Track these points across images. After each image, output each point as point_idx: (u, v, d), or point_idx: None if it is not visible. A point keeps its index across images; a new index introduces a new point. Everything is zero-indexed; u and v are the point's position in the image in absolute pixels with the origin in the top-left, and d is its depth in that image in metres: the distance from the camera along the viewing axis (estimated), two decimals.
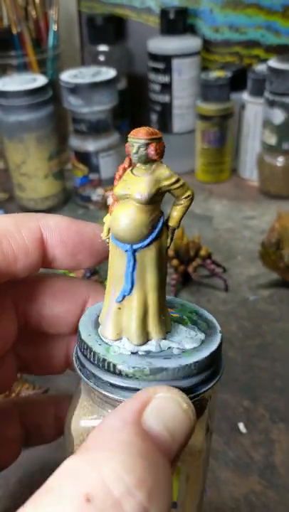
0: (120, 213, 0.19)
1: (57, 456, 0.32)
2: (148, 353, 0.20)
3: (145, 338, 0.20)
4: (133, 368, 0.19)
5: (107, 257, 0.21)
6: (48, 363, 0.27)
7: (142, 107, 0.83)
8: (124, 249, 0.20)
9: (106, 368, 0.19)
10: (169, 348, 0.21)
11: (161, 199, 0.20)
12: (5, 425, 0.26)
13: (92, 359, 0.20)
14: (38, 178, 0.69)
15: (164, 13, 0.73)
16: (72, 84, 0.65)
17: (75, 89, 0.65)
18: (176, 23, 0.73)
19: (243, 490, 0.36)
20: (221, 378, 0.21)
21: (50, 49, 0.78)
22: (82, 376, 0.20)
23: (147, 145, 0.19)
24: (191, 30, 0.80)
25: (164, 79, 0.75)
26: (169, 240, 0.21)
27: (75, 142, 0.69)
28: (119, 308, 0.20)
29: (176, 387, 0.19)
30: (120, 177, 0.20)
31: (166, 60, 0.73)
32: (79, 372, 0.20)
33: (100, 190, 0.67)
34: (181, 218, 0.21)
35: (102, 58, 0.78)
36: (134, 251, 0.20)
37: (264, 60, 0.77)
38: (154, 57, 0.75)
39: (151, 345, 0.20)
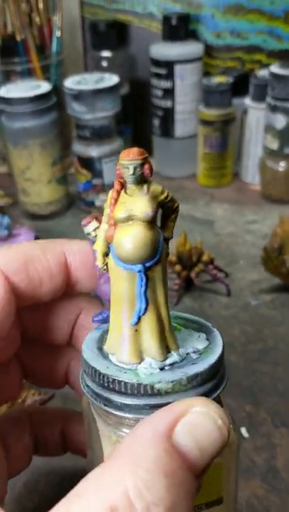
0: (128, 236, 0.19)
1: (63, 461, 0.33)
2: (174, 365, 0.20)
3: (166, 352, 0.21)
4: (171, 382, 0.19)
5: None
6: (48, 376, 0.28)
7: (144, 112, 0.84)
8: (137, 269, 0.20)
9: (142, 392, 0.19)
10: (187, 354, 0.21)
11: (157, 214, 0.20)
12: (17, 434, 0.27)
13: (122, 389, 0.19)
14: (42, 184, 0.70)
15: (166, 19, 0.74)
16: (75, 91, 0.65)
17: (78, 96, 0.66)
18: (178, 29, 0.74)
19: (245, 494, 0.37)
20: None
21: (54, 55, 0.78)
22: (111, 410, 0.20)
23: (142, 165, 0.19)
24: (192, 35, 0.80)
25: (166, 84, 0.76)
26: (168, 251, 0.21)
27: (78, 148, 0.70)
28: (136, 331, 0.20)
29: (212, 386, 0.20)
30: (116, 201, 0.20)
31: (169, 65, 0.74)
32: (105, 408, 0.20)
33: (103, 196, 0.68)
34: (173, 228, 0.22)
35: (104, 64, 0.79)
36: (147, 269, 0.20)
37: (266, 65, 0.77)
38: (157, 62, 0.75)
39: (174, 357, 0.21)
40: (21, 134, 0.66)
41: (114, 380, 0.19)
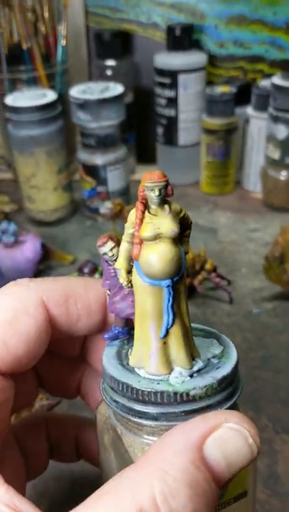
0: (156, 253, 0.20)
1: (71, 466, 0.33)
2: (200, 371, 0.22)
3: (192, 360, 0.22)
4: (204, 387, 0.20)
5: None
6: (61, 387, 0.29)
7: (148, 121, 0.85)
8: (165, 285, 0.21)
9: (178, 400, 0.20)
10: (208, 359, 0.22)
11: None
12: (35, 438, 0.28)
13: (158, 400, 0.20)
14: (48, 191, 0.71)
15: (170, 29, 0.75)
16: (81, 100, 0.67)
17: (83, 105, 0.67)
18: (182, 39, 0.75)
19: None
20: None
21: (59, 64, 0.80)
22: (147, 422, 0.21)
23: (166, 187, 0.20)
24: (196, 45, 0.82)
25: (170, 93, 0.77)
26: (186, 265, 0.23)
27: (83, 156, 0.71)
28: (165, 343, 0.21)
29: (233, 388, 0.21)
30: (141, 221, 0.21)
31: (172, 75, 0.75)
32: (140, 420, 0.21)
33: (108, 204, 0.69)
34: (188, 243, 0.23)
35: (109, 73, 0.80)
36: (174, 284, 0.21)
37: (268, 75, 0.79)
38: (161, 72, 0.77)
39: (199, 364, 0.22)
40: (27, 142, 0.67)
41: (149, 392, 0.20)
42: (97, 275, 0.60)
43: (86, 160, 0.71)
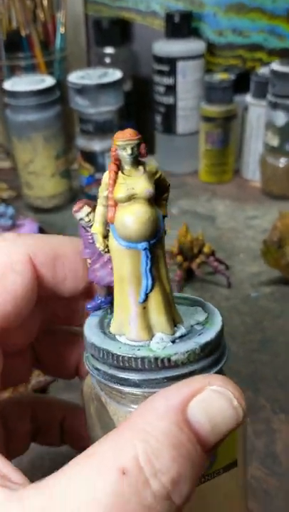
0: (131, 215, 0.20)
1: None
2: (183, 337, 0.21)
3: (173, 325, 0.21)
4: (186, 352, 0.20)
5: None
6: (59, 366, 0.28)
7: (146, 109, 0.85)
8: (142, 247, 0.20)
9: (160, 366, 0.20)
10: (191, 326, 0.22)
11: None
12: (19, 417, 0.28)
13: (139, 366, 0.20)
14: (46, 177, 0.71)
15: (169, 16, 0.75)
16: (79, 85, 0.66)
17: (82, 90, 0.67)
18: (181, 26, 0.75)
19: None
20: None
21: (58, 51, 0.79)
22: (128, 389, 0.20)
23: (139, 145, 0.20)
24: (195, 33, 0.81)
25: (168, 81, 0.77)
26: (165, 230, 0.22)
27: (82, 142, 0.71)
28: (144, 308, 0.21)
29: (219, 355, 0.21)
30: (115, 182, 0.20)
31: (171, 62, 0.75)
32: (121, 387, 0.20)
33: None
34: (166, 207, 0.22)
35: (108, 60, 0.79)
36: (152, 247, 0.20)
37: (267, 64, 0.78)
38: (159, 59, 0.76)
39: (181, 330, 0.21)
40: (25, 127, 0.67)
41: (130, 358, 0.20)
42: None
43: (84, 146, 0.70)
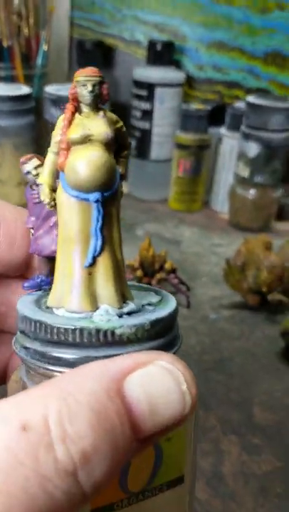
0: (84, 158, 0.17)
1: None
2: (132, 314, 0.18)
3: (122, 300, 0.19)
4: (134, 326, 0.17)
5: None
6: None
7: None
8: (94, 199, 0.18)
9: (101, 340, 0.17)
10: (143, 305, 0.19)
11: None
12: None
13: (77, 339, 0.17)
14: (11, 186, 0.69)
15: (151, 44, 0.77)
16: (55, 96, 0.66)
17: (57, 101, 0.66)
18: (162, 54, 0.76)
19: None
20: None
21: (38, 67, 0.79)
22: (63, 369, 0.17)
23: (101, 84, 0.18)
24: (176, 65, 0.83)
25: (146, 106, 0.77)
26: (122, 190, 0.20)
27: None
28: (90, 274, 0.18)
29: (171, 339, 0.18)
30: (70, 122, 0.18)
31: (150, 87, 0.76)
32: (54, 368, 0.17)
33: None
34: (126, 166, 0.20)
35: None
36: (104, 200, 0.18)
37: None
38: (139, 84, 0.77)
39: (131, 306, 0.19)
40: None
41: (66, 330, 0.17)
42: None
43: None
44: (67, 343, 0.17)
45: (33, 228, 0.21)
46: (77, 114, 0.18)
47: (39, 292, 0.20)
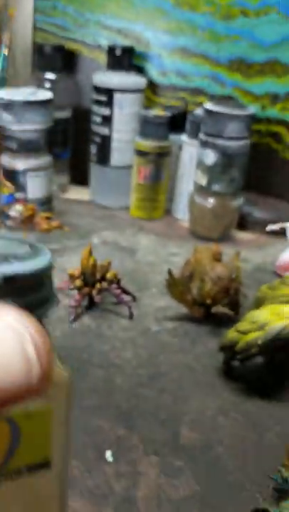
0: None
1: None
2: None
3: None
4: None
5: None
6: None
7: (84, 138, 0.83)
8: None
9: None
10: (5, 257, 0.17)
11: None
12: None
13: None
14: None
15: (111, 49, 0.75)
16: (5, 100, 0.64)
17: (8, 105, 0.64)
18: (122, 59, 0.75)
19: None
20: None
21: None
22: None
23: None
24: (139, 71, 0.82)
25: (105, 111, 0.76)
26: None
27: (5, 159, 0.68)
28: None
29: (35, 302, 0.16)
30: None
31: (109, 93, 0.74)
32: None
33: (18, 207, 0.65)
34: None
35: (47, 85, 0.78)
36: None
37: None
38: (98, 89, 0.76)
39: None
40: None
41: None
42: None
43: (7, 164, 0.67)
44: None
45: None
46: None
47: None
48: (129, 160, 0.78)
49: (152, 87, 0.83)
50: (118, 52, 0.75)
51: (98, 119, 0.77)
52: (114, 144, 0.78)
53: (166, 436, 0.39)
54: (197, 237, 0.73)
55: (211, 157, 0.68)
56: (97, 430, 0.39)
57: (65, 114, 0.80)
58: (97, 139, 0.79)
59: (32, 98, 0.64)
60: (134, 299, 0.56)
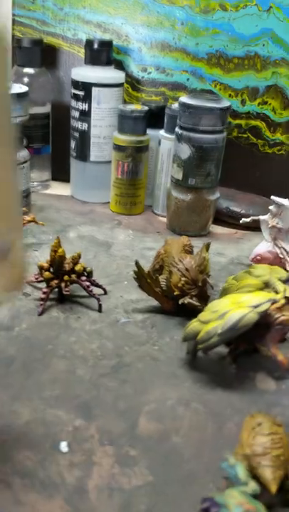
0: None
1: None
2: None
3: None
4: None
5: None
6: None
7: (65, 134, 0.83)
8: None
9: None
10: None
11: None
12: None
13: None
14: None
15: (88, 43, 0.75)
16: None
17: None
18: (100, 54, 0.75)
19: None
20: None
21: None
22: None
23: None
24: (119, 65, 0.81)
25: (83, 106, 0.75)
26: None
27: None
28: None
29: None
30: None
31: (86, 87, 0.74)
32: None
33: None
34: None
35: (26, 80, 0.78)
36: None
37: None
38: (76, 84, 0.75)
39: None
40: None
41: None
42: None
43: None
44: None
45: None
46: None
47: None
48: (109, 155, 0.78)
49: (132, 81, 0.83)
50: (96, 46, 0.74)
51: (76, 114, 0.77)
52: (93, 140, 0.77)
53: (124, 426, 0.39)
54: (175, 232, 0.73)
55: (186, 151, 0.68)
56: (54, 421, 0.39)
57: (45, 109, 0.80)
58: (76, 134, 0.78)
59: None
60: (105, 291, 0.56)
